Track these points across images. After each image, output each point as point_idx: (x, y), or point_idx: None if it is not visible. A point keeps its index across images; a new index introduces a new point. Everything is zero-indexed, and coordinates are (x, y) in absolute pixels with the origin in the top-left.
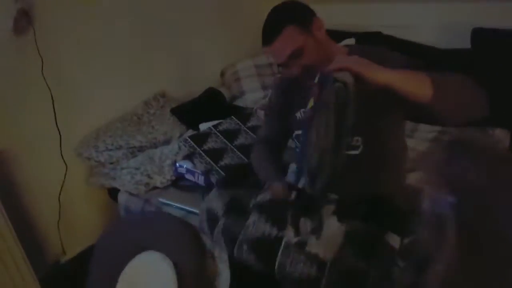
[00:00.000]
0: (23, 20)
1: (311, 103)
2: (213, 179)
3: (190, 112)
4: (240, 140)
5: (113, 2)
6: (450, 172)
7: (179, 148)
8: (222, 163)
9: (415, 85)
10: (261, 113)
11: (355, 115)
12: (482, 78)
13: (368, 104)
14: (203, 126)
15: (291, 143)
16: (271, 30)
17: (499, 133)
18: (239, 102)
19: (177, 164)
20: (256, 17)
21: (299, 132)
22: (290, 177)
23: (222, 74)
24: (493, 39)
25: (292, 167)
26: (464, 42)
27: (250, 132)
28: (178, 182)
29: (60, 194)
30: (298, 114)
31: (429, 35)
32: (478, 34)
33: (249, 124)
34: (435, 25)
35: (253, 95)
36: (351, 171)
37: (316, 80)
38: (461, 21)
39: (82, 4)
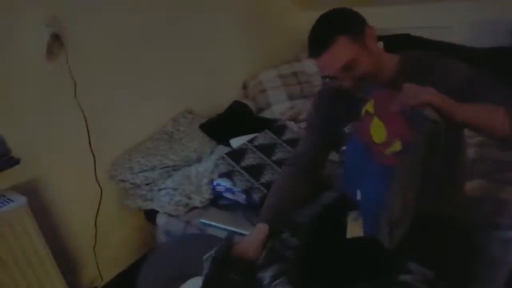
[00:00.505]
0: (56, 45)
1: (366, 110)
2: (256, 197)
3: (218, 127)
4: (278, 154)
5: (141, 22)
6: None
7: (216, 165)
8: (262, 180)
9: (491, 121)
10: (291, 124)
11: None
12: None
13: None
14: (236, 142)
15: (334, 156)
16: (321, 41)
17: None
18: (266, 114)
19: (215, 183)
20: (278, 26)
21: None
22: None
23: (245, 86)
24: None
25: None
26: (498, 41)
27: (287, 146)
28: (217, 201)
29: (96, 218)
30: (347, 128)
31: (458, 35)
32: None
33: (284, 137)
34: (465, 25)
35: (280, 106)
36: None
37: (406, 115)
38: (492, 19)
39: (110, 26)
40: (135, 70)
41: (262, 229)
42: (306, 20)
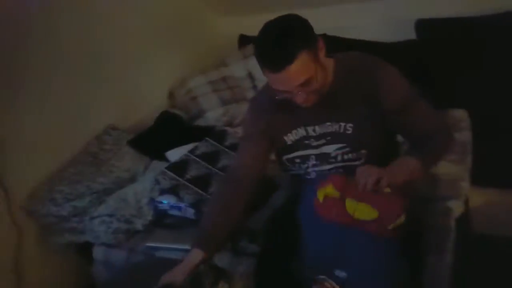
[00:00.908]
0: None
1: (326, 194)
2: (206, 208)
3: (149, 141)
4: (223, 161)
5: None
6: None
7: (157, 182)
8: (212, 190)
9: (415, 174)
10: (228, 129)
11: None
12: (429, 66)
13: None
14: (174, 154)
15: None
16: (282, 57)
17: (459, 114)
18: (200, 122)
19: (157, 201)
20: (197, 33)
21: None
22: None
23: (171, 94)
24: (437, 28)
25: None
26: (408, 35)
27: (231, 152)
28: (162, 220)
29: (17, 264)
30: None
31: (373, 32)
32: (422, 25)
33: (227, 143)
34: (378, 22)
35: (214, 113)
36: None
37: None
38: (402, 15)
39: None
40: (45, 91)
41: (194, 255)
42: (223, 25)
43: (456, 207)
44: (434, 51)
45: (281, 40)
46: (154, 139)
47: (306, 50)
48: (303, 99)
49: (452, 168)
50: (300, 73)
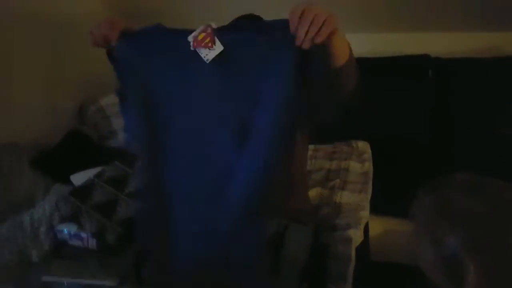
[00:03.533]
0: None
1: None
2: (110, 238)
3: (53, 162)
4: (131, 186)
5: None
6: (448, 209)
7: (56, 208)
8: (116, 218)
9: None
10: None
11: None
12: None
13: None
14: (78, 178)
15: None
16: None
17: (361, 145)
18: (111, 143)
19: (57, 229)
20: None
21: None
22: None
23: (81, 109)
24: None
25: None
26: None
27: None
28: (61, 251)
29: None
30: None
31: None
32: None
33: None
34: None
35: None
36: None
37: None
38: None
39: None
40: None
41: None
42: None
43: (356, 236)
44: None
45: None
46: (58, 159)
47: None
48: None
49: (354, 198)
50: None
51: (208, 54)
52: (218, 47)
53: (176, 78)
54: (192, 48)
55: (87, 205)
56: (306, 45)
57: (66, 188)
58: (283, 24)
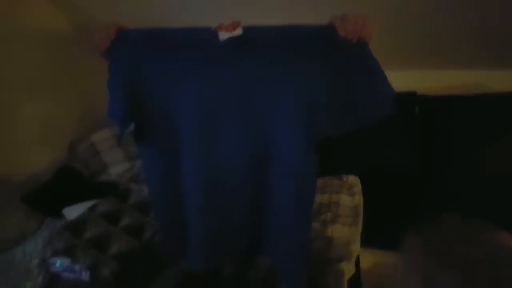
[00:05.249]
0: None
1: None
2: (106, 272)
3: (45, 197)
4: (126, 220)
5: None
6: (440, 250)
7: (49, 242)
8: (111, 251)
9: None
10: (133, 186)
11: None
12: None
13: None
14: (71, 211)
15: None
16: None
17: (352, 179)
18: (102, 177)
19: (50, 263)
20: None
21: None
22: None
23: (72, 147)
24: None
25: None
26: None
27: (134, 211)
28: (54, 284)
29: None
30: None
31: None
32: None
33: (131, 201)
34: None
35: (118, 168)
36: None
37: None
38: None
39: None
40: None
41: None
42: None
43: (348, 269)
44: None
45: None
46: (50, 194)
47: None
48: None
49: (345, 231)
50: None
51: (224, 34)
52: (237, 32)
53: (176, 71)
54: (213, 29)
55: (81, 239)
56: (354, 37)
57: (59, 222)
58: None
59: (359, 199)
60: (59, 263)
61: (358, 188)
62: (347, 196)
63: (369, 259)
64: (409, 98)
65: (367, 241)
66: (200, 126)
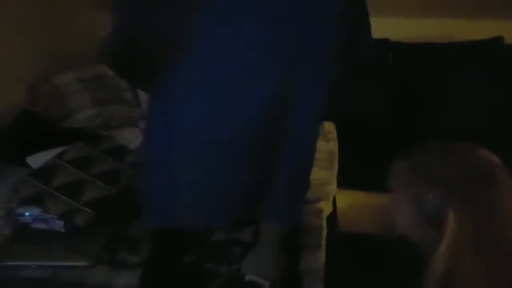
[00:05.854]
0: None
1: None
2: (79, 220)
3: (7, 145)
4: (99, 168)
5: None
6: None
7: (16, 191)
8: (84, 198)
9: None
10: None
11: None
12: None
13: None
14: (36, 159)
15: None
16: None
17: (327, 125)
18: (67, 123)
19: (17, 213)
20: (71, 23)
21: None
22: None
23: (32, 90)
24: None
25: None
26: None
27: (107, 157)
28: (23, 235)
29: None
30: None
31: None
32: None
33: (103, 147)
34: None
35: (84, 114)
36: None
37: None
38: None
39: None
40: None
41: None
42: (101, 19)
43: (326, 207)
44: None
45: None
46: (10, 141)
47: None
48: None
49: (322, 174)
50: None
51: None
52: None
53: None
54: None
55: (50, 187)
56: None
57: (23, 170)
58: None
59: (334, 144)
60: (28, 213)
61: (333, 134)
62: (323, 141)
63: (344, 200)
64: (383, 46)
65: (342, 183)
66: None
